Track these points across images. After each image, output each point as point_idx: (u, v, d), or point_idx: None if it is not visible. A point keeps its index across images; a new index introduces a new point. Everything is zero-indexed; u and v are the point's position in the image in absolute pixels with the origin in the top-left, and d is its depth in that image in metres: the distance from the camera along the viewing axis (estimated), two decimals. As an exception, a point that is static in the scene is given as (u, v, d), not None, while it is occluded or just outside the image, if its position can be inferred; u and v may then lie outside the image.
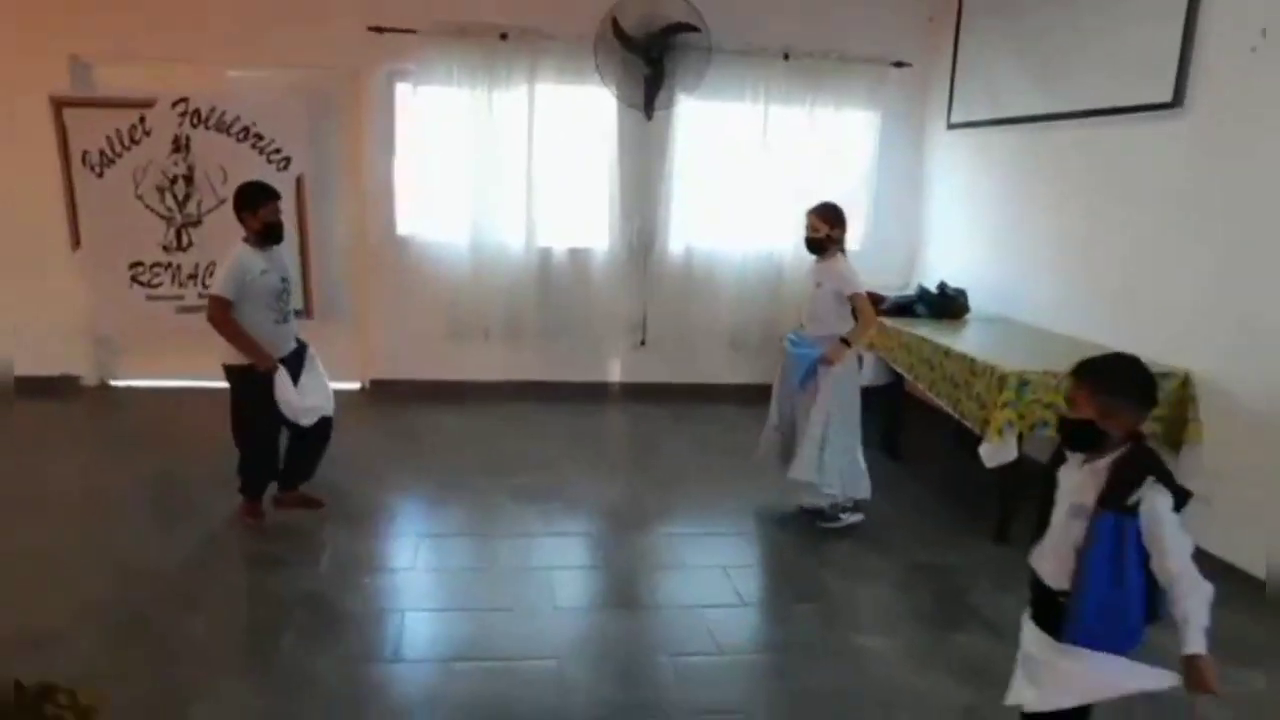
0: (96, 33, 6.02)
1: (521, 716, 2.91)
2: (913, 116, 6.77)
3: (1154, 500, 2.13)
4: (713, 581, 3.89)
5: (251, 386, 4.04)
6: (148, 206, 6.18)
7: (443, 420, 6.11)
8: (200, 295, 6.08)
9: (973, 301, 5.66)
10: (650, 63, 6.14)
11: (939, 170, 6.69)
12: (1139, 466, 2.18)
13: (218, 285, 3.98)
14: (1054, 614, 2.27)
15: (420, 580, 3.84)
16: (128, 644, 3.23)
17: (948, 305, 5.52)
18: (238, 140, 6.17)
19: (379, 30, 6.10)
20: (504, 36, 6.17)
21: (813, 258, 4.48)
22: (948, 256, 6.50)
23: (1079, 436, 2.27)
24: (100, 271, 6.22)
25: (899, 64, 6.60)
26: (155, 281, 6.26)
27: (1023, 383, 4.08)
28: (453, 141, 6.31)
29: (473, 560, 4.06)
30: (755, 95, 6.46)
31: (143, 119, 6.07)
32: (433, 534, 4.30)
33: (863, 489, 4.47)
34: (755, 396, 6.30)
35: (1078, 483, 2.27)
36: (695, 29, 6.10)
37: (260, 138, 6.20)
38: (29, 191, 6.07)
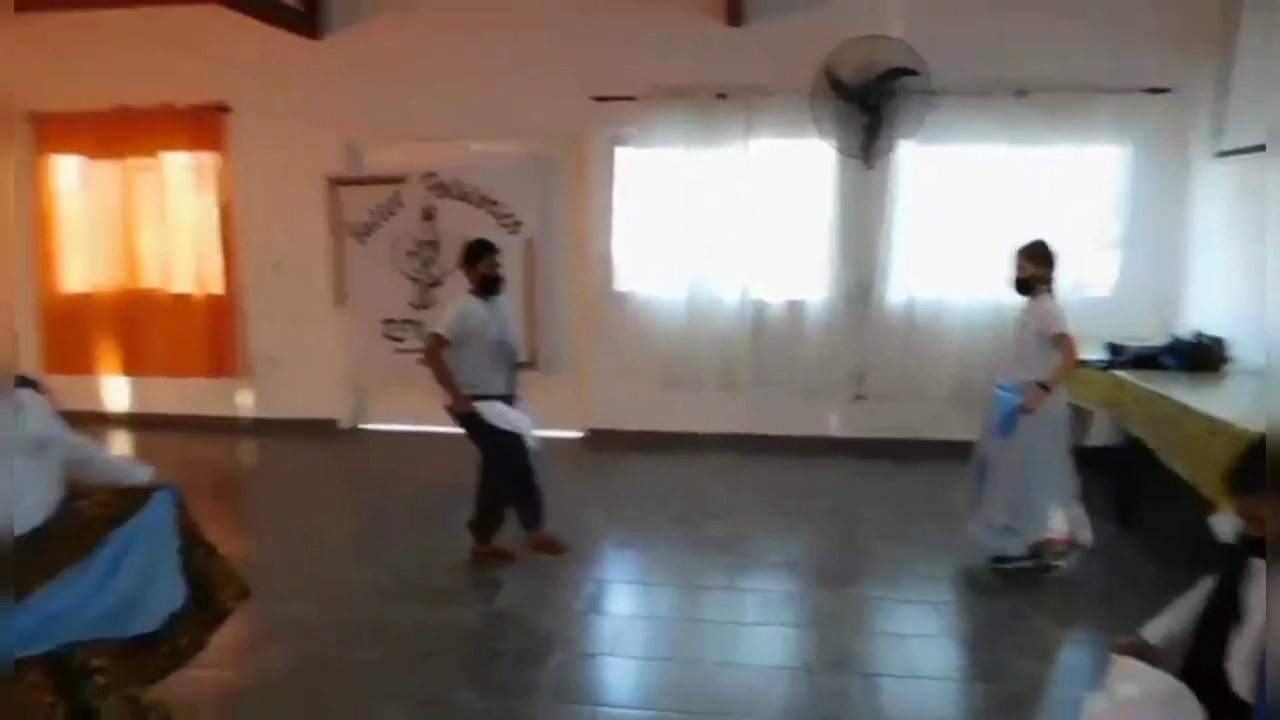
0: (367, 121, 6.87)
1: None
2: (1171, 148, 6.03)
3: None
4: (888, 649, 3.59)
5: (478, 421, 4.30)
6: (400, 270, 6.88)
7: (650, 469, 6.21)
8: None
9: (1237, 351, 4.89)
10: (867, 110, 5.98)
11: (1202, 205, 5.89)
12: None
13: (439, 325, 4.33)
14: None
15: (587, 624, 3.87)
16: (303, 661, 3.52)
17: (1201, 356, 4.81)
18: (475, 207, 6.73)
19: (602, 99, 6.45)
20: (721, 96, 6.30)
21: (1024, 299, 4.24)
22: (1211, 301, 5.67)
23: None
24: (358, 327, 6.98)
25: (1155, 90, 5.94)
26: (402, 336, 6.92)
27: (1273, 443, 3.43)
28: (670, 200, 6.49)
29: (643, 609, 4.04)
30: (984, 136, 6.08)
31: (398, 193, 6.80)
32: (609, 580, 4.34)
33: (1082, 535, 4.19)
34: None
35: None
36: (914, 72, 5.88)
37: (496, 204, 6.72)
38: (306, 257, 6.98)
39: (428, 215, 6.80)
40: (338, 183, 6.89)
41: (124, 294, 7.27)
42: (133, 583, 2.42)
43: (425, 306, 6.87)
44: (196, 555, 2.79)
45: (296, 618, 3.89)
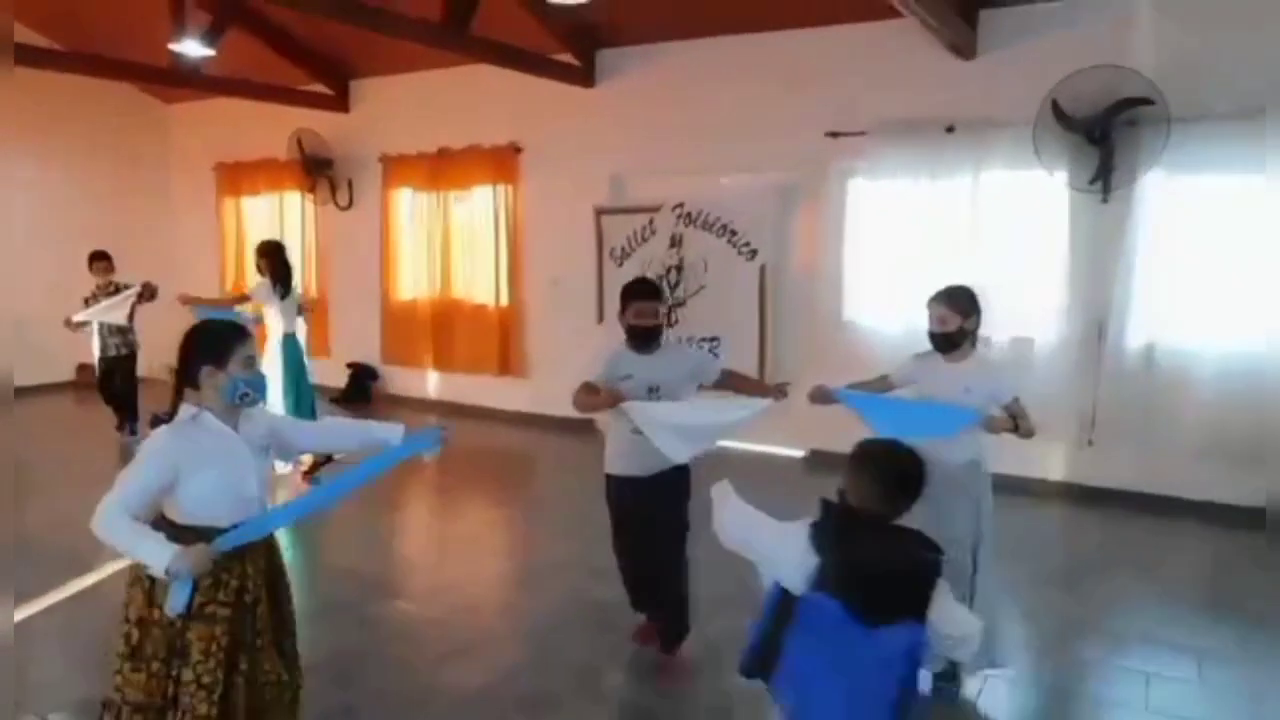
0: (629, 157, 7.75)
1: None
2: None
3: None
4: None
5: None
6: (650, 291, 7.66)
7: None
8: (681, 364, 7.39)
9: None
10: (1094, 142, 5.70)
11: None
12: None
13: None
14: None
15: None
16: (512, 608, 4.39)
17: None
18: (716, 236, 7.32)
19: (835, 135, 6.73)
20: (950, 130, 6.32)
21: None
22: None
23: None
24: (615, 340, 7.83)
25: None
26: (650, 351, 7.69)
27: None
28: (898, 231, 6.61)
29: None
30: (1243, 165, 5.52)
31: (651, 221, 7.59)
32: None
33: None
34: (1228, 519, 5.47)
35: None
36: (1149, 102, 5.51)
37: (735, 233, 7.26)
38: (575, 277, 8.01)
39: (674, 242, 7.50)
40: (602, 212, 7.84)
41: (439, 303, 8.84)
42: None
43: (671, 325, 7.56)
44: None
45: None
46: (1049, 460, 6.38)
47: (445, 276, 8.80)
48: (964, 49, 6.22)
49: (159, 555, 2.31)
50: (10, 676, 2.69)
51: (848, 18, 6.62)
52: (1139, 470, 6.05)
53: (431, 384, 9.15)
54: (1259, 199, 5.47)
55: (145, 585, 2.51)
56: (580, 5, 5.60)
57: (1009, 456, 6.34)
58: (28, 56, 7.81)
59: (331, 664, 3.84)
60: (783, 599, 2.44)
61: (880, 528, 2.44)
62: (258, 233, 10.31)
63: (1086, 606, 4.56)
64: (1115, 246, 5.92)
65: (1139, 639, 4.19)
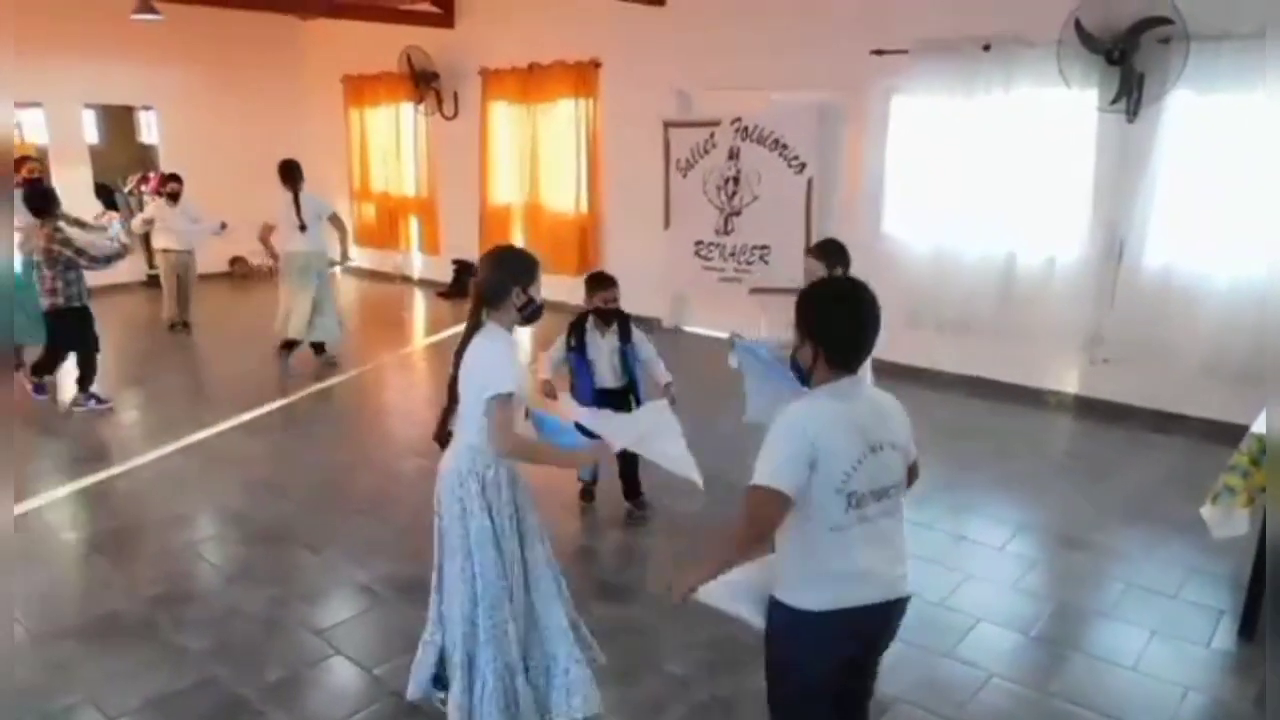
0: (693, 73, 8.23)
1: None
2: None
3: None
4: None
5: None
6: (709, 200, 8.23)
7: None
8: (735, 270, 8.02)
9: None
10: (1113, 62, 5.80)
11: None
12: None
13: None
14: None
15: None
16: None
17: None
18: (769, 150, 7.78)
19: (879, 53, 7.01)
20: (986, 48, 6.49)
21: None
22: None
23: None
24: (678, 245, 8.50)
25: None
26: (709, 255, 8.30)
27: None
28: (935, 147, 6.89)
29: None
30: (1263, 85, 5.50)
31: (712, 135, 8.10)
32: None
33: None
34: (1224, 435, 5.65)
35: None
36: (1168, 21, 5.56)
37: (785, 148, 7.70)
38: (643, 186, 8.64)
39: (732, 155, 8.01)
40: (669, 125, 8.39)
41: (528, 207, 9.68)
42: None
43: (727, 233, 8.16)
44: None
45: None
46: (1064, 373, 6.69)
47: (533, 184, 9.61)
48: (1005, -35, 6.35)
49: None
50: (11, 565, 3.16)
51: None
52: (1146, 387, 6.28)
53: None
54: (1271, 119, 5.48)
55: None
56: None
57: (1020, 369, 6.79)
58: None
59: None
60: None
61: None
62: (378, 140, 11.43)
63: (1026, 504, 5.07)
64: (1138, 166, 6.05)
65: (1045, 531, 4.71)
